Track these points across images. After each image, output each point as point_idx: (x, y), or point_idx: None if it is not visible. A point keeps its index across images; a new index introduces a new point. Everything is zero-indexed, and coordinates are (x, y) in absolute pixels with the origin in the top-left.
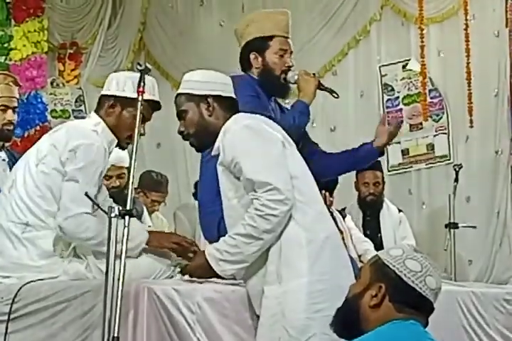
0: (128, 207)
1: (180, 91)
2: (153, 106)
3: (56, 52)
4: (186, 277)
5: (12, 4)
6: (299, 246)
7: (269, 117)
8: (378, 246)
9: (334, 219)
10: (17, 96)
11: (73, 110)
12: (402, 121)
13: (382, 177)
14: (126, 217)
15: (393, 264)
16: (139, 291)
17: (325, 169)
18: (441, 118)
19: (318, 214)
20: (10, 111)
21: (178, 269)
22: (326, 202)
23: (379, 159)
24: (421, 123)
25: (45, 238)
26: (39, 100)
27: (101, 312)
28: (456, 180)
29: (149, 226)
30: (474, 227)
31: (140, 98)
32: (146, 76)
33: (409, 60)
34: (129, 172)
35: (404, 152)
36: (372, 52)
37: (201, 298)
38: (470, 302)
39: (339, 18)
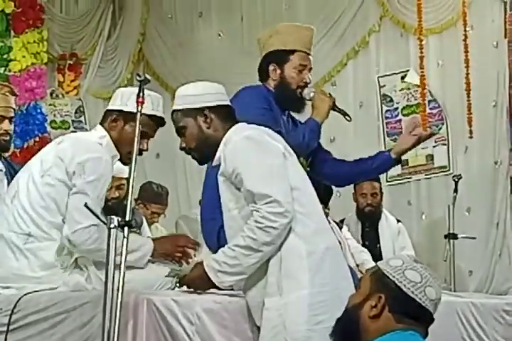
0: (127, 218)
1: (175, 107)
2: (157, 122)
3: (56, 63)
4: (184, 288)
5: (12, 15)
6: (300, 257)
7: (278, 132)
8: (377, 256)
9: (332, 230)
10: (14, 106)
11: (73, 121)
12: (435, 133)
13: (380, 188)
14: (125, 228)
15: (393, 275)
16: (138, 302)
17: (338, 177)
18: (440, 128)
19: (319, 226)
20: (6, 121)
21: (176, 280)
22: None
23: None
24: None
25: (48, 249)
26: (38, 111)
27: (100, 323)
28: (456, 190)
29: (148, 237)
30: (474, 238)
31: (139, 108)
32: (154, 93)
33: (408, 71)
34: (128, 182)
35: (404, 163)
36: (371, 63)
37: (200, 309)
38: (469, 313)
39: (338, 29)
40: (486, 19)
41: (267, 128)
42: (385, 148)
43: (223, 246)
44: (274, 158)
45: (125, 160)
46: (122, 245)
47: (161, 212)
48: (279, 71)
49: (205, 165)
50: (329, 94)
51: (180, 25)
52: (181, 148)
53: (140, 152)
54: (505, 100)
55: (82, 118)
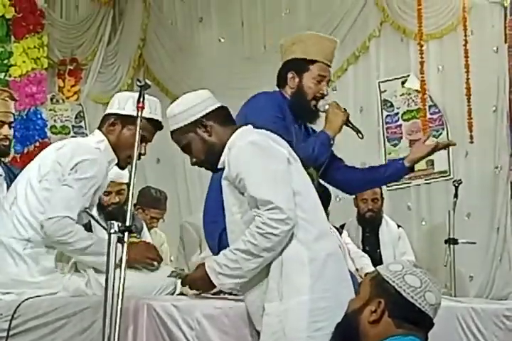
0: (127, 223)
1: (172, 128)
2: (155, 126)
3: (56, 69)
4: (186, 288)
5: (12, 20)
6: (301, 264)
7: (288, 142)
8: (377, 262)
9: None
10: (13, 111)
11: (73, 126)
12: (453, 144)
13: (381, 193)
14: (126, 234)
15: (393, 280)
16: (139, 308)
17: (349, 184)
18: (440, 134)
19: (321, 232)
20: (6, 127)
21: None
22: None
23: None
24: (420, 139)
25: (47, 254)
26: (39, 116)
27: (100, 328)
28: (456, 195)
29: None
30: (474, 243)
31: (139, 113)
32: (151, 97)
33: (408, 76)
34: (128, 188)
35: None
36: (372, 68)
37: (201, 314)
38: (470, 318)
39: (338, 35)
40: (486, 24)
41: (272, 133)
42: (385, 153)
43: (224, 248)
44: (278, 163)
45: (123, 164)
46: (122, 251)
47: (160, 216)
48: (297, 79)
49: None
50: (344, 109)
51: (180, 30)
52: (193, 164)
53: (139, 156)
54: (505, 105)
55: (82, 124)
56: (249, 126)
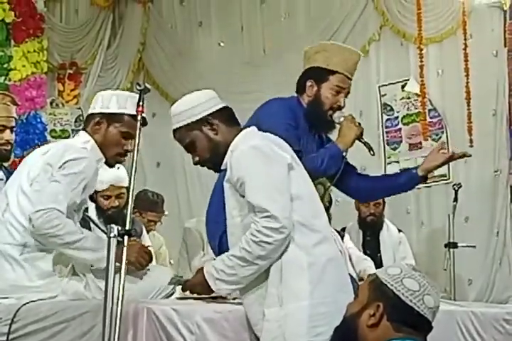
0: (127, 227)
1: (176, 126)
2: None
3: (56, 73)
4: (187, 293)
5: (12, 25)
6: (301, 269)
7: (297, 152)
8: (378, 266)
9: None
10: (15, 115)
11: (73, 130)
12: (470, 155)
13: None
14: (125, 237)
15: (391, 283)
16: (138, 311)
17: (361, 191)
18: (440, 137)
19: (322, 237)
20: (8, 131)
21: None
22: None
23: None
24: (420, 143)
25: (44, 258)
26: (38, 120)
27: (100, 332)
28: (456, 199)
29: (149, 246)
30: (474, 247)
31: (139, 117)
32: (129, 92)
33: (408, 80)
34: (128, 191)
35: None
36: (372, 72)
37: (200, 318)
38: (469, 322)
39: (338, 39)
40: (485, 28)
41: (276, 137)
42: (384, 156)
43: (225, 250)
44: (278, 169)
45: (111, 161)
46: (122, 254)
47: (158, 219)
48: (315, 88)
49: (206, 172)
50: (358, 123)
51: (180, 34)
52: (195, 163)
53: (125, 152)
54: (504, 109)
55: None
56: (253, 128)
